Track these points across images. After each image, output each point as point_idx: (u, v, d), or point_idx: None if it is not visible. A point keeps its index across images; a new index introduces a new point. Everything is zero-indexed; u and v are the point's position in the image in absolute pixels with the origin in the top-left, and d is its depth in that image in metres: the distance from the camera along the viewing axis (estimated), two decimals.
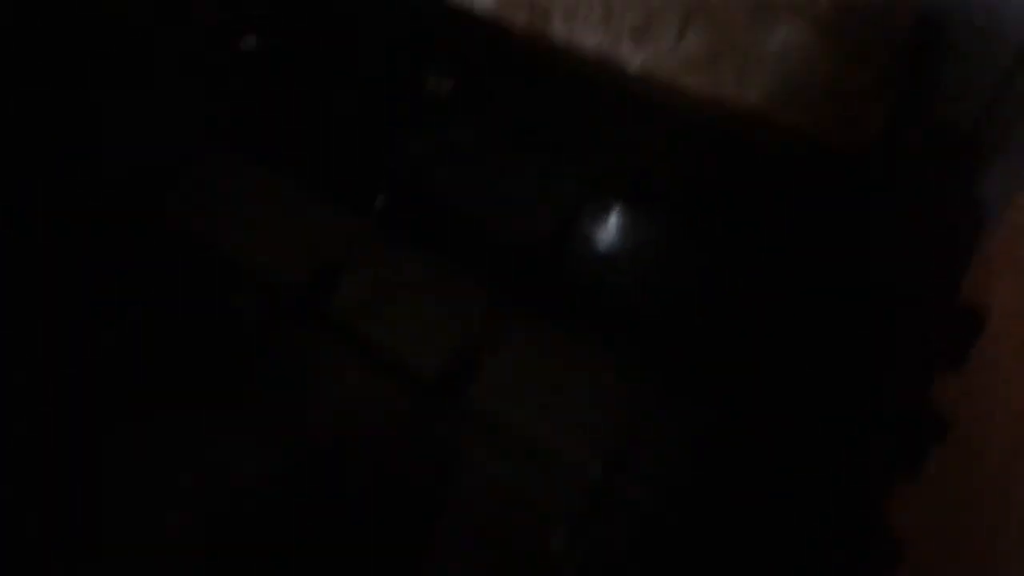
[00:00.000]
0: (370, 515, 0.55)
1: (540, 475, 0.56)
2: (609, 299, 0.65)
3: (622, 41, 0.57)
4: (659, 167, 0.64)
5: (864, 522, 0.55)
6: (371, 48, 0.73)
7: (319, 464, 0.56)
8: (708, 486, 0.55)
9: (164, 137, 0.69)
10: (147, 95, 0.71)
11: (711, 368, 0.61)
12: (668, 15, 0.56)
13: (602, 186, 0.68)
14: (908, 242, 0.69)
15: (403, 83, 0.70)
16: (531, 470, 0.56)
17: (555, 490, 0.55)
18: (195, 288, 0.64)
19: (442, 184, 0.70)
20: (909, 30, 0.58)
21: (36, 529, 0.52)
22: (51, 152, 0.67)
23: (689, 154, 0.61)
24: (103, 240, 0.64)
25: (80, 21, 0.70)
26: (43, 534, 0.53)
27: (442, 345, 0.61)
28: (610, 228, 0.68)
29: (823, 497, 0.56)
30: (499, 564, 0.54)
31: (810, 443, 0.58)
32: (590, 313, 0.64)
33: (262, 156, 0.70)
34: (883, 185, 0.63)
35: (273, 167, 0.69)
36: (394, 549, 0.54)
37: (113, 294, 0.63)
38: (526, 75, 0.62)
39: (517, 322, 0.63)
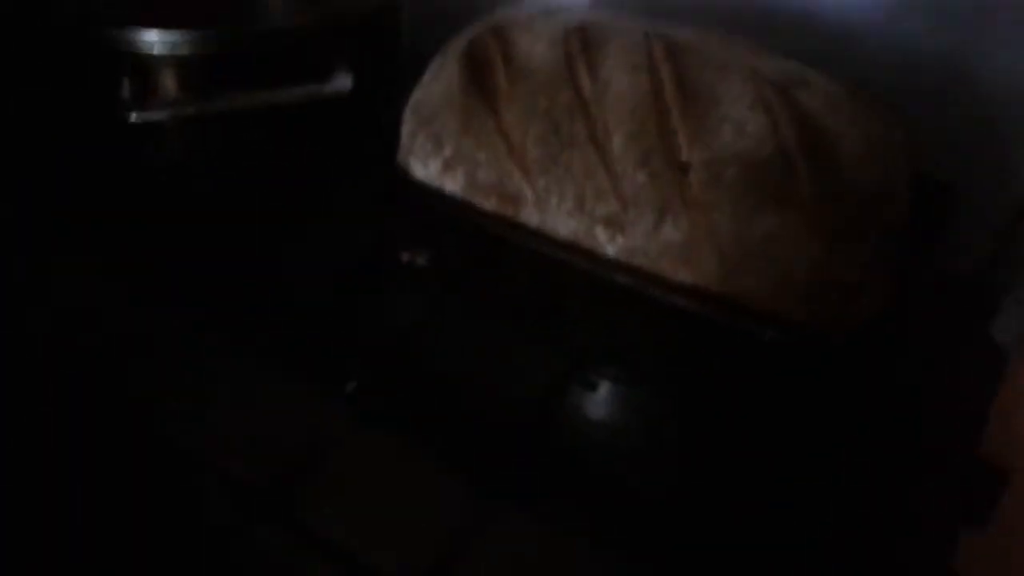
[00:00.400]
0: None
1: None
2: (596, 480, 0.60)
3: (596, 229, 0.55)
4: (642, 349, 0.62)
5: None
6: (344, 223, 0.70)
7: None
8: None
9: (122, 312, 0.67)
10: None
11: (711, 556, 0.56)
12: (642, 206, 0.54)
13: (585, 366, 0.64)
14: (925, 402, 0.66)
15: (379, 259, 0.67)
16: None
17: None
18: (152, 482, 0.61)
19: (417, 362, 0.67)
20: (907, 208, 0.55)
21: None
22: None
23: (674, 337, 0.58)
24: (58, 429, 0.61)
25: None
26: None
27: (421, 541, 0.56)
28: (594, 408, 0.65)
29: None
30: None
31: None
32: (576, 495, 0.60)
33: (224, 335, 0.67)
34: (889, 356, 0.60)
35: (237, 348, 0.66)
36: None
37: (66, 493, 0.59)
38: (501, 253, 0.60)
39: (499, 511, 0.59)
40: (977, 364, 0.77)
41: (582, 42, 0.57)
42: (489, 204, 0.59)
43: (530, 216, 0.58)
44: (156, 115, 0.56)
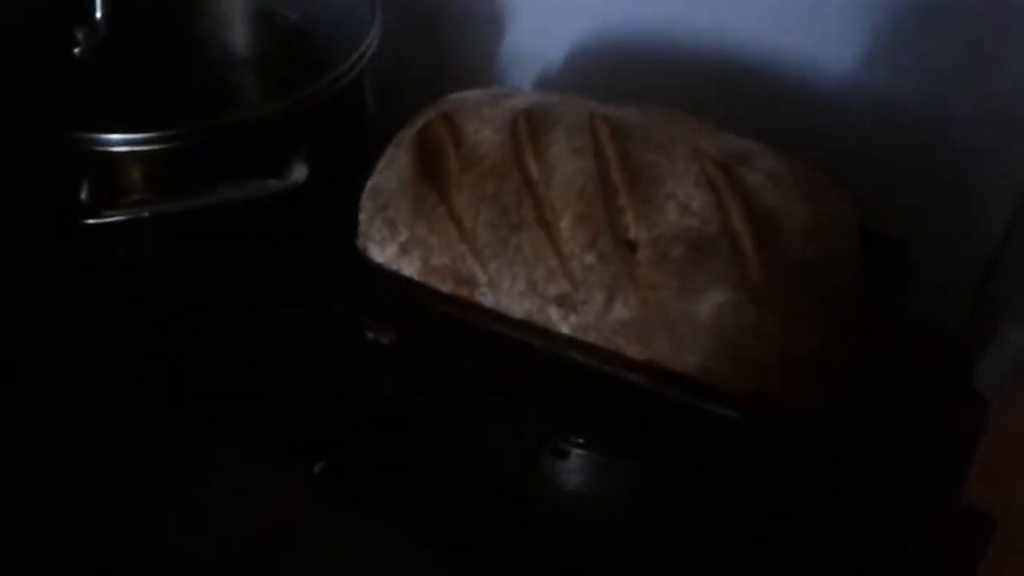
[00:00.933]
0: None
1: None
2: (570, 551, 0.62)
3: (549, 308, 0.56)
4: (605, 423, 0.62)
5: None
6: (307, 307, 0.71)
7: None
8: None
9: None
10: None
11: None
12: (592, 286, 0.54)
13: (547, 439, 0.66)
14: (905, 459, 0.67)
15: (343, 340, 0.69)
16: None
17: None
18: (116, 564, 0.60)
19: (386, 441, 0.68)
20: (858, 276, 0.55)
21: None
22: None
23: (634, 412, 0.58)
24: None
25: None
26: None
27: None
28: (564, 477, 0.66)
29: None
30: None
31: None
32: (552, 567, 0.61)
33: (193, 421, 0.67)
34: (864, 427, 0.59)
35: (206, 432, 0.67)
36: None
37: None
38: (459, 333, 0.61)
39: None
40: (958, 414, 0.77)
41: (528, 125, 0.58)
42: (446, 286, 0.59)
43: (485, 297, 0.58)
44: (115, 215, 0.58)
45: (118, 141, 0.60)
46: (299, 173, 0.61)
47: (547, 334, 0.57)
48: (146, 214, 0.58)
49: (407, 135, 0.61)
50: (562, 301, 0.56)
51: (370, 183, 0.63)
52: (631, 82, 0.82)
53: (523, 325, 0.58)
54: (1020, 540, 0.58)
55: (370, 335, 0.67)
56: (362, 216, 0.63)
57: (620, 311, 0.55)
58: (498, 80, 0.98)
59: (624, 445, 0.64)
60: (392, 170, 0.61)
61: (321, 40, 0.73)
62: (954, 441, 0.75)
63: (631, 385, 0.55)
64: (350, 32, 0.72)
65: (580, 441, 0.67)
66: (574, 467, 0.69)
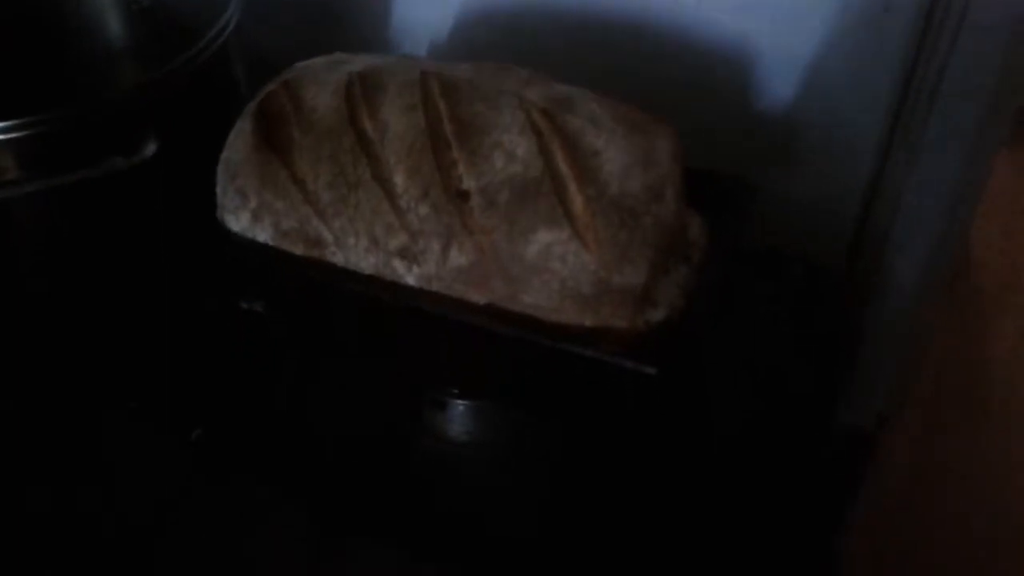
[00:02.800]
0: None
1: None
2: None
3: (393, 261, 0.58)
4: (463, 372, 0.65)
5: None
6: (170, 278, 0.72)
7: None
8: None
9: None
10: None
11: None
12: (429, 236, 0.56)
13: (424, 392, 0.68)
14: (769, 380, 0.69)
15: (213, 310, 0.71)
16: None
17: None
18: None
19: (265, 407, 0.70)
20: (677, 208, 0.57)
21: None
22: None
23: (483, 353, 0.60)
24: None
25: None
26: None
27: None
28: (439, 434, 0.69)
29: None
30: None
31: None
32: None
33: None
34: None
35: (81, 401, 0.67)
36: None
37: None
38: (316, 294, 0.63)
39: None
40: (830, 344, 0.80)
41: (363, 86, 0.60)
42: (298, 249, 0.61)
43: (335, 256, 0.60)
44: None
45: None
46: (149, 149, 0.63)
47: (395, 287, 0.59)
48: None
49: (250, 106, 0.63)
50: (403, 253, 0.58)
51: (223, 155, 0.64)
52: (522, 48, 0.85)
53: (372, 280, 0.60)
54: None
55: (243, 305, 0.69)
56: (218, 188, 0.64)
57: (457, 258, 0.57)
58: (390, 50, 1.00)
59: (486, 389, 0.67)
60: (238, 141, 0.62)
61: (179, 22, 0.74)
62: (824, 368, 0.79)
63: (476, 329, 0.58)
64: (207, 12, 0.74)
65: (454, 391, 0.70)
66: (454, 417, 0.72)
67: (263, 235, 0.62)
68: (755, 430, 0.68)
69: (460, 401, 0.69)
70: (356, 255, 0.59)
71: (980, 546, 0.44)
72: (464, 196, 0.57)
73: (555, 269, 0.55)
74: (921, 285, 0.70)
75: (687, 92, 0.80)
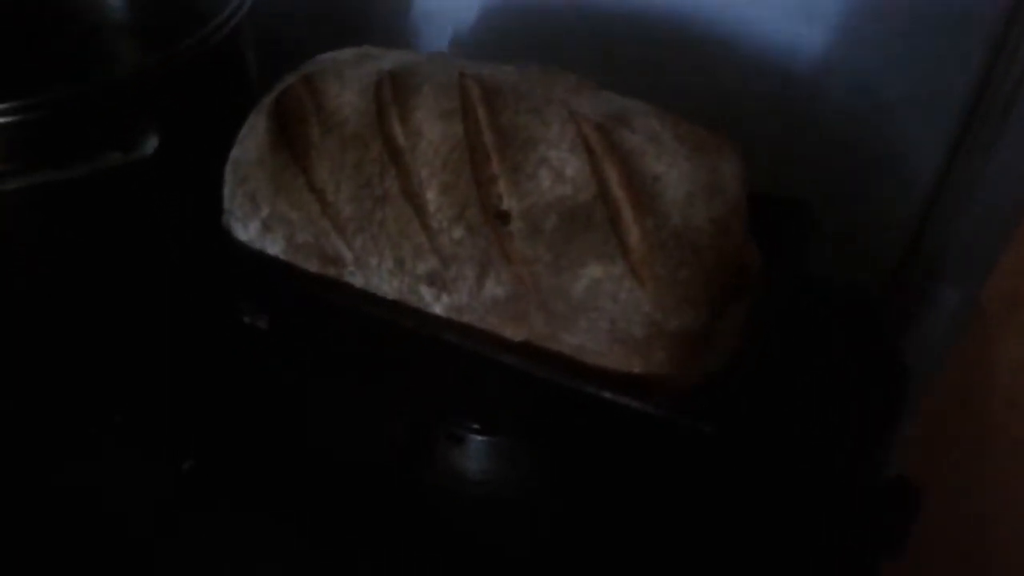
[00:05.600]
0: None
1: None
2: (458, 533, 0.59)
3: (420, 287, 0.51)
4: (488, 409, 0.59)
5: None
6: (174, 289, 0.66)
7: None
8: None
9: None
10: None
11: None
12: (463, 262, 0.50)
13: (439, 425, 0.63)
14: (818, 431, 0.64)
15: (218, 325, 0.63)
16: None
17: None
18: None
19: (265, 432, 0.64)
20: (741, 240, 0.52)
21: None
22: None
23: (512, 395, 0.54)
24: None
25: None
26: None
27: None
28: (453, 469, 0.63)
29: None
30: None
31: None
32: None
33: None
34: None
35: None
36: None
37: None
38: (331, 316, 0.57)
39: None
40: (879, 385, 0.74)
41: (394, 87, 0.53)
42: (312, 266, 0.55)
43: (353, 277, 0.54)
44: None
45: None
46: (150, 144, 0.56)
47: (420, 315, 0.53)
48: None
49: (266, 101, 0.56)
50: (432, 279, 0.51)
51: (232, 154, 0.57)
52: (551, 41, 0.78)
53: (395, 306, 0.53)
54: (948, 511, 0.56)
55: (246, 320, 0.63)
56: (225, 191, 0.58)
57: (493, 289, 0.50)
58: (410, 42, 0.93)
59: (513, 429, 0.61)
60: (250, 140, 0.55)
61: (190, 5, 0.67)
62: (874, 410, 0.73)
63: (508, 368, 0.52)
64: None
65: (474, 427, 0.64)
66: (472, 453, 0.66)
67: (274, 248, 0.55)
68: (806, 487, 0.62)
69: (482, 437, 0.63)
70: (378, 277, 0.53)
71: None
72: (504, 218, 0.50)
73: (604, 308, 0.49)
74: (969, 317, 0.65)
75: (733, 106, 0.74)
